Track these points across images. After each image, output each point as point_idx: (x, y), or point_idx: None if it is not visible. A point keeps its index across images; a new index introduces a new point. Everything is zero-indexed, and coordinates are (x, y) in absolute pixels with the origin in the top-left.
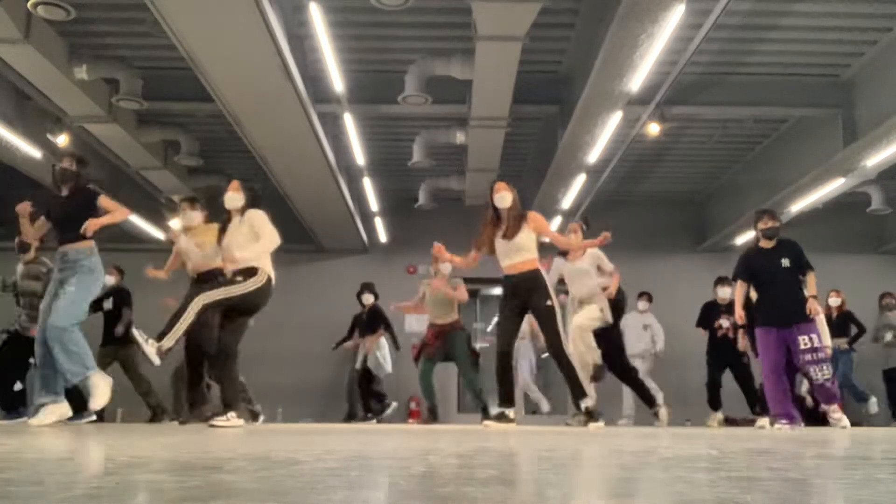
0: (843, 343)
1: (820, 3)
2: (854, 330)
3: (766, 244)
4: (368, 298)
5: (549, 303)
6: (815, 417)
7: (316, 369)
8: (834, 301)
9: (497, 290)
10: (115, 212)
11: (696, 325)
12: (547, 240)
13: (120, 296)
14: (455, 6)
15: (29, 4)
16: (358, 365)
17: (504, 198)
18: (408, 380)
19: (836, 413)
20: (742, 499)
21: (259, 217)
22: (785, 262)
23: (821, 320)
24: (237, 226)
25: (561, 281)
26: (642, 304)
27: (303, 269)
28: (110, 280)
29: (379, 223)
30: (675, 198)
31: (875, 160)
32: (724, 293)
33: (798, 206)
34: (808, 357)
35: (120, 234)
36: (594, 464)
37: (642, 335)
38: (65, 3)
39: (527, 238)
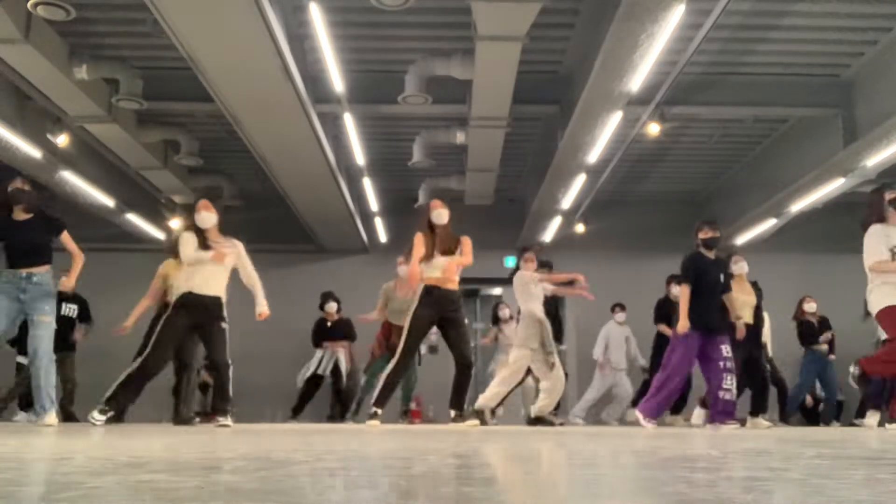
0: (822, 348)
1: (820, 3)
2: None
3: (708, 254)
4: (333, 307)
5: (462, 317)
6: (814, 417)
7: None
8: (810, 307)
9: (497, 290)
10: (77, 257)
11: (655, 321)
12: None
13: (83, 305)
14: (455, 6)
15: (29, 4)
16: (327, 371)
17: (441, 215)
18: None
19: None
20: (742, 499)
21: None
22: (721, 277)
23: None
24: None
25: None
26: (620, 316)
27: (303, 269)
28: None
29: (379, 223)
30: (675, 198)
31: (875, 160)
32: (676, 290)
33: (798, 206)
34: (725, 364)
35: (119, 234)
36: (594, 464)
37: (622, 347)
38: (65, 3)
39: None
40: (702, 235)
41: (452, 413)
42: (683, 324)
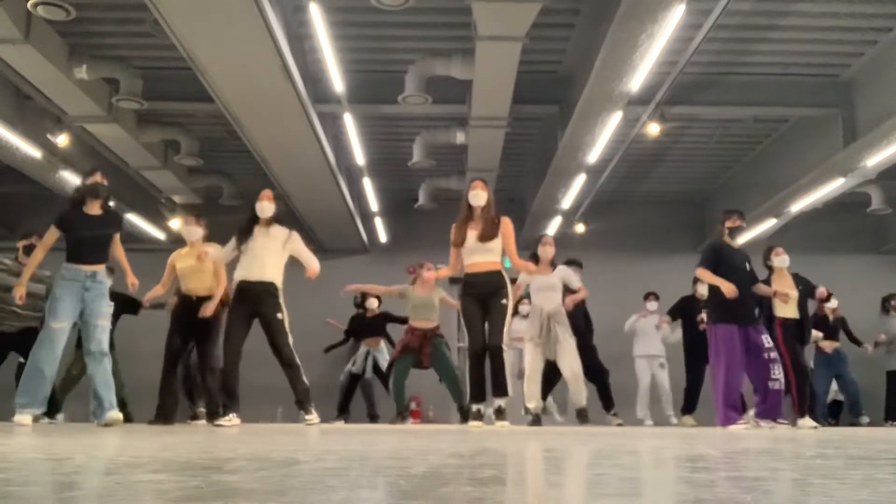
0: (835, 345)
1: (820, 3)
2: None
3: (732, 243)
4: (373, 303)
5: (504, 301)
6: (833, 415)
7: (316, 369)
8: (830, 303)
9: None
10: (123, 257)
11: (669, 312)
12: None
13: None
14: (455, 6)
15: (29, 4)
16: (361, 369)
17: (478, 196)
18: (408, 380)
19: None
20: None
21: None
22: (748, 266)
23: None
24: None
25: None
26: (651, 305)
27: (303, 269)
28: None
29: (379, 223)
30: (675, 198)
31: (875, 160)
32: (703, 290)
33: (798, 206)
34: (769, 355)
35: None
36: (594, 464)
37: (655, 336)
38: (65, 3)
39: (497, 243)
40: (729, 224)
41: (496, 403)
42: (727, 287)
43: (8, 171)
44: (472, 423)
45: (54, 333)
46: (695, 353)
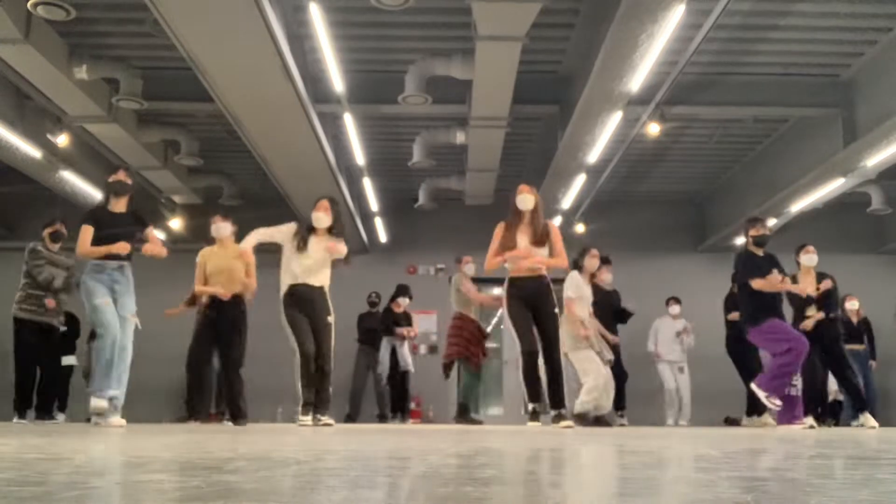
0: (861, 348)
1: (820, 3)
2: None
3: (758, 251)
4: (405, 301)
5: (556, 310)
6: (835, 414)
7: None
8: (852, 305)
9: (497, 290)
10: (157, 246)
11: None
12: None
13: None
14: (455, 6)
15: (29, 4)
16: (386, 368)
17: (526, 200)
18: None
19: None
20: (742, 499)
21: None
22: (775, 272)
23: None
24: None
25: None
26: (674, 309)
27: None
28: None
29: (379, 223)
30: (675, 198)
31: (875, 160)
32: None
33: (798, 206)
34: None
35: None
36: (594, 464)
37: (677, 341)
38: (65, 3)
39: (546, 249)
40: (753, 233)
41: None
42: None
43: (8, 171)
44: (530, 424)
45: (101, 309)
46: (743, 352)
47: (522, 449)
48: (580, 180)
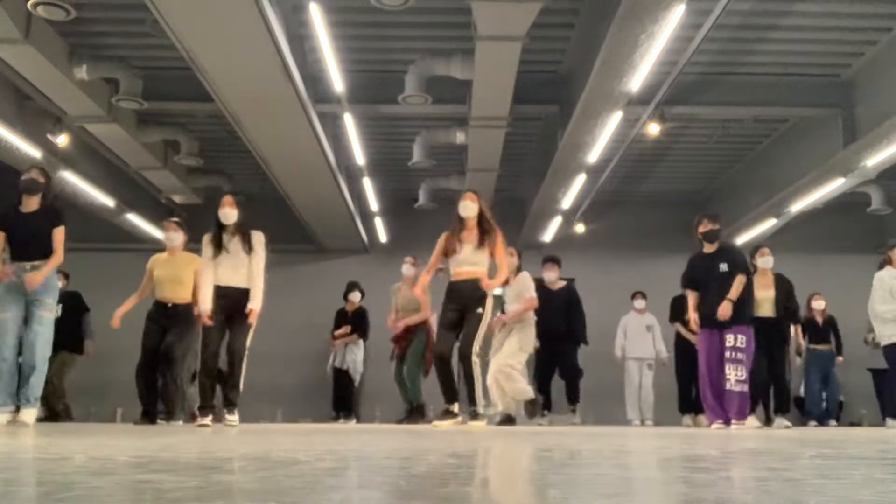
0: (827, 348)
1: (820, 3)
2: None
3: (707, 248)
4: (356, 297)
5: (480, 311)
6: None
7: (316, 369)
8: (818, 304)
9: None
10: (56, 256)
11: (670, 320)
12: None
13: (74, 301)
14: (455, 6)
15: (29, 4)
16: (338, 364)
17: (466, 207)
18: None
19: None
20: (742, 499)
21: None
22: (723, 267)
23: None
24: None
25: None
26: (639, 303)
27: (303, 269)
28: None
29: (379, 223)
30: (675, 198)
31: (875, 160)
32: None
33: (798, 206)
34: (728, 354)
35: (119, 234)
36: (594, 464)
37: (645, 337)
38: (65, 3)
39: (485, 255)
40: (701, 229)
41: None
42: (692, 317)
43: (8, 171)
44: (437, 422)
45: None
46: (685, 353)
47: (522, 449)
48: (580, 180)
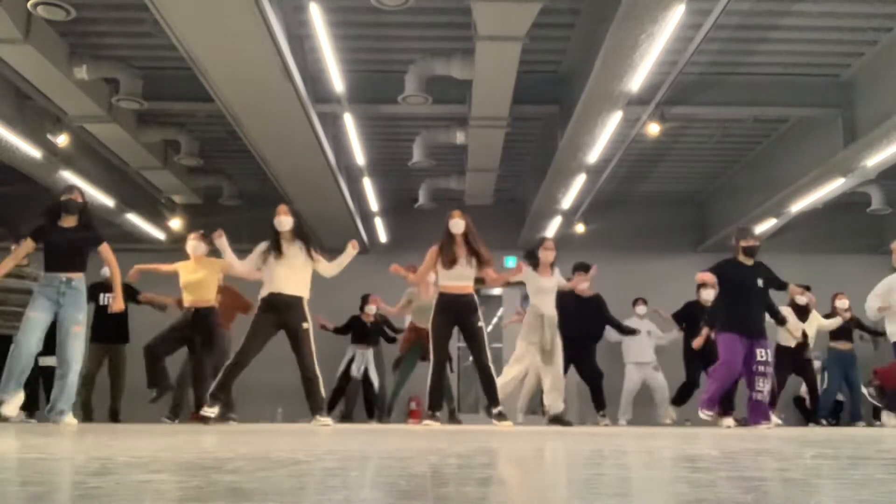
0: (849, 347)
1: (820, 3)
2: (858, 334)
3: (746, 261)
4: (371, 309)
5: (480, 324)
6: (834, 415)
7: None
8: (842, 304)
9: (497, 291)
10: (116, 273)
11: (673, 316)
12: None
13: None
14: (455, 6)
15: (29, 4)
16: (358, 373)
17: (456, 224)
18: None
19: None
20: (742, 499)
21: None
22: (760, 283)
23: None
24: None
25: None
26: (640, 309)
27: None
28: (106, 272)
29: (379, 223)
30: (675, 198)
31: (875, 160)
32: (707, 295)
33: (798, 206)
34: (758, 368)
35: (120, 234)
36: (594, 464)
37: (646, 342)
38: (65, 3)
39: (473, 269)
40: (744, 244)
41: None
42: (706, 276)
43: (8, 171)
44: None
45: (29, 322)
46: (696, 357)
47: (522, 449)
48: (580, 180)
